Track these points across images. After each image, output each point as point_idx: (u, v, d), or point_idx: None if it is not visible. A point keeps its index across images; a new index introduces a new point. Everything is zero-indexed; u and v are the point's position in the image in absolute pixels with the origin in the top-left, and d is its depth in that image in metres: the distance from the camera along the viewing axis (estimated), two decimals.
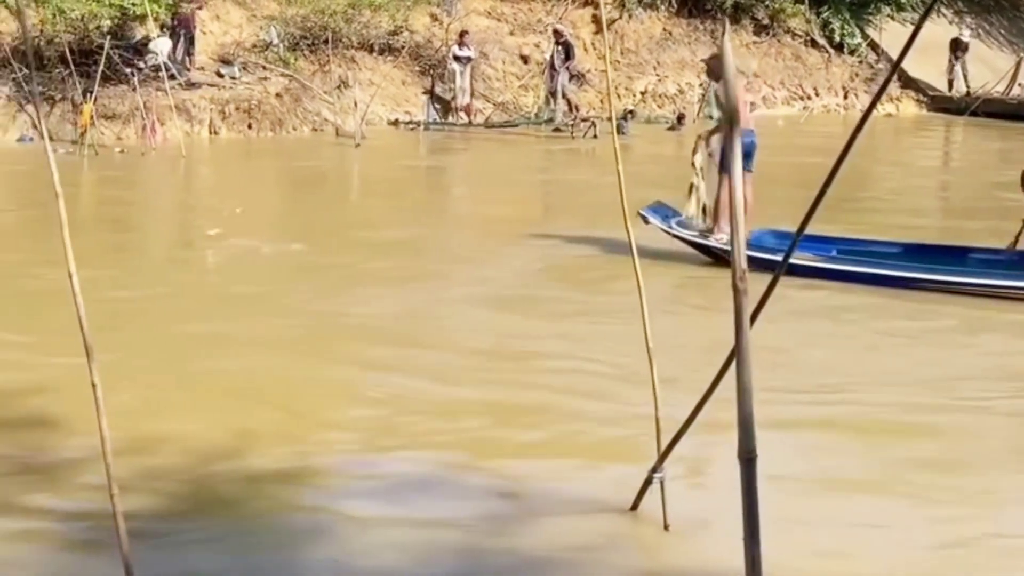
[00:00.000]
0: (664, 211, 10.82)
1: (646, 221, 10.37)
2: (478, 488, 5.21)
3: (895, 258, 10.19)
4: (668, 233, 10.53)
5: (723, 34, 2.59)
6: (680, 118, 24.26)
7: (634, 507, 4.89)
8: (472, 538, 4.73)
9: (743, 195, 10.12)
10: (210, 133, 21.12)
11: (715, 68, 10.96)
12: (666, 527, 4.74)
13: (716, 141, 10.59)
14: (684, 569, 4.55)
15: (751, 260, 10.27)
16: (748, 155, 10.27)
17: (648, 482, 4.78)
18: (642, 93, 26.52)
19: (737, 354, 2.41)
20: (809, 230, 3.46)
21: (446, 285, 9.48)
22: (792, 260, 9.68)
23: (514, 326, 8.19)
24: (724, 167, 9.78)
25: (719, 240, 10.32)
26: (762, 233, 10.42)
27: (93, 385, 3.64)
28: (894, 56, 26.75)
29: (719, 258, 10.17)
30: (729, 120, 2.13)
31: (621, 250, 6.20)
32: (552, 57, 23.84)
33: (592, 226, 11.46)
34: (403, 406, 6.45)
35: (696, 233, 10.62)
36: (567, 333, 7.99)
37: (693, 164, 10.70)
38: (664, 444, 4.73)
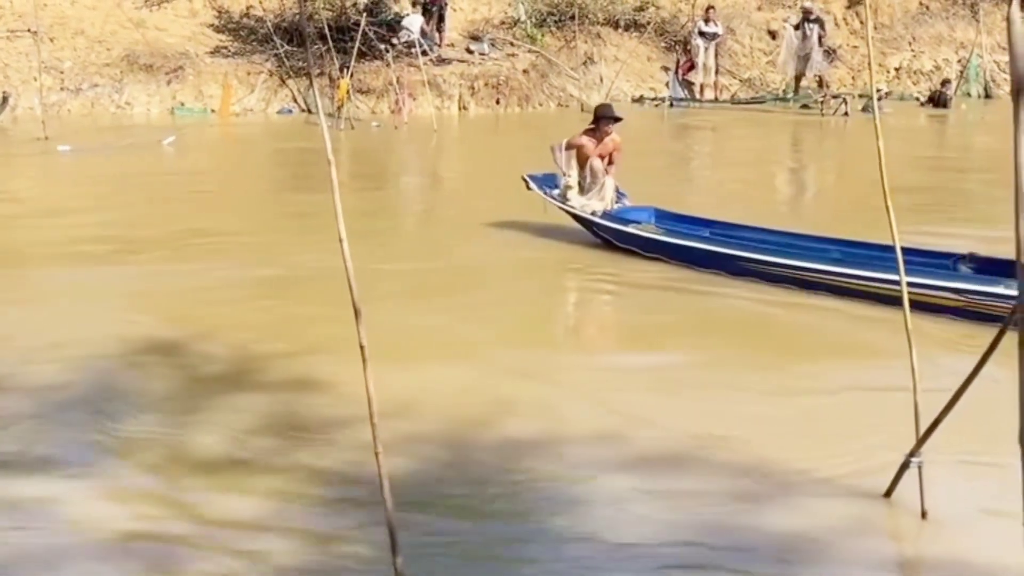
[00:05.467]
0: (550, 180, 10.41)
1: (528, 187, 10.27)
2: (727, 464, 5.17)
3: (773, 246, 8.97)
4: (548, 201, 10.17)
5: (1010, 3, 2.48)
6: (938, 98, 23.21)
7: (888, 493, 4.76)
8: (723, 515, 4.69)
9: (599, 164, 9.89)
10: (459, 108, 21.62)
11: None
12: (923, 514, 4.60)
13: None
14: (944, 558, 4.38)
15: (609, 231, 9.34)
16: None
17: (905, 467, 4.64)
18: (896, 69, 25.62)
19: (1022, 334, 2.33)
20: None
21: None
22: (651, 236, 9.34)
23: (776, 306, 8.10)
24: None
25: (584, 209, 9.93)
26: (636, 209, 10.17)
27: (361, 347, 3.77)
28: None
29: (602, 237, 9.84)
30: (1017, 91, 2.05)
31: None
32: (802, 33, 23.19)
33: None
34: (652, 383, 6.48)
35: (579, 205, 10.05)
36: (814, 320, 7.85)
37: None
38: (922, 429, 4.59)
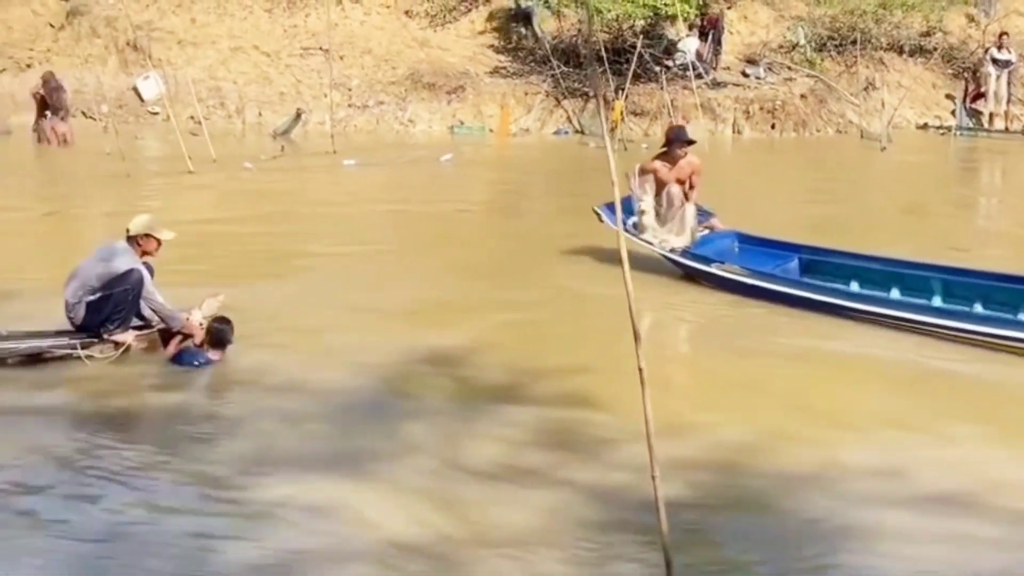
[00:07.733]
0: (627, 205, 9.57)
1: (600, 219, 9.44)
2: (1012, 511, 4.89)
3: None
4: (623, 236, 9.25)
5: None
6: None
7: None
8: (1012, 562, 4.45)
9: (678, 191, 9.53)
10: (733, 132, 21.36)
11: None
12: None
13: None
14: None
15: (691, 269, 9.20)
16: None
17: None
18: None
19: None
20: None
21: None
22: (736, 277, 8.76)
23: None
24: None
25: (663, 247, 9.33)
26: (718, 235, 9.70)
27: (640, 369, 3.77)
28: None
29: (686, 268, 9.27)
30: None
31: None
32: None
33: None
34: (933, 419, 6.20)
35: (656, 241, 9.41)
36: None
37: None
38: None
